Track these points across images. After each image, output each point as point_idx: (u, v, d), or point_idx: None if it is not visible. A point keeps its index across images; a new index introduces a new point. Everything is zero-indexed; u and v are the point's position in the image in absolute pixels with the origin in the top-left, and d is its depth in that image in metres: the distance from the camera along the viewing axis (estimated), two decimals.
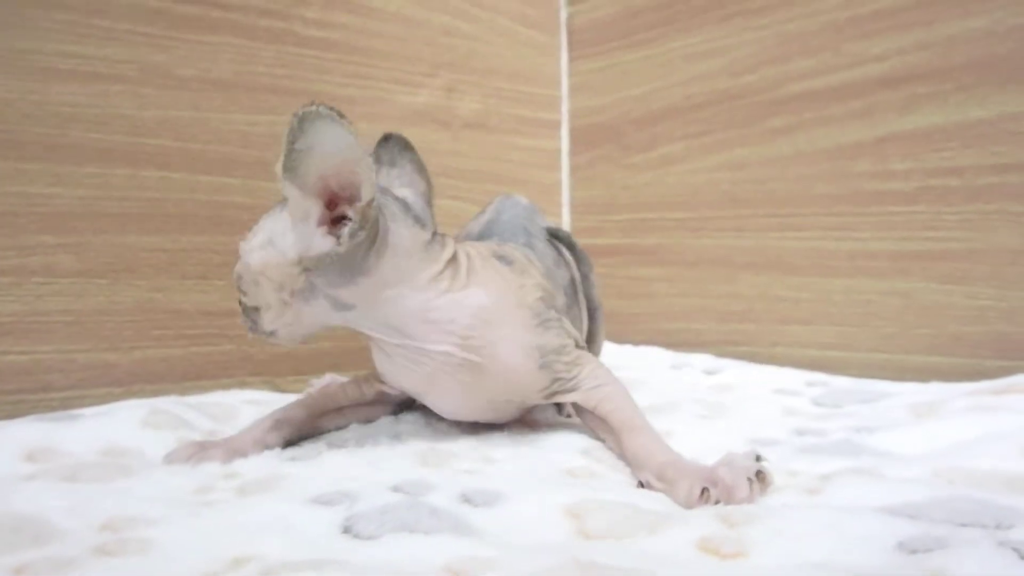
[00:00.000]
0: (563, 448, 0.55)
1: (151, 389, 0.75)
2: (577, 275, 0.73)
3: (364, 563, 0.36)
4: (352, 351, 0.87)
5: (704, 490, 0.44)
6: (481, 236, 0.68)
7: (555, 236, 0.76)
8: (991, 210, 0.70)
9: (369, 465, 0.50)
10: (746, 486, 0.44)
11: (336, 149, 0.48)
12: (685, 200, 0.96)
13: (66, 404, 0.69)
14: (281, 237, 0.53)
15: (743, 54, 0.89)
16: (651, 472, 0.48)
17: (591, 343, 0.75)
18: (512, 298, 0.55)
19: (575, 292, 0.70)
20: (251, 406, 0.71)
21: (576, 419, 0.62)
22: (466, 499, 0.44)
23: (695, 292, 0.96)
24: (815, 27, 0.83)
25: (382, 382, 0.62)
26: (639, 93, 1.02)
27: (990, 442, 0.49)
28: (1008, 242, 0.70)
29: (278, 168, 0.49)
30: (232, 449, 0.54)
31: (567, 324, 0.59)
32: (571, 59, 1.11)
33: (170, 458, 0.53)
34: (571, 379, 0.57)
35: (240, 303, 0.56)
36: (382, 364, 0.59)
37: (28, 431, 0.57)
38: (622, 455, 0.53)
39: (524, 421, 0.63)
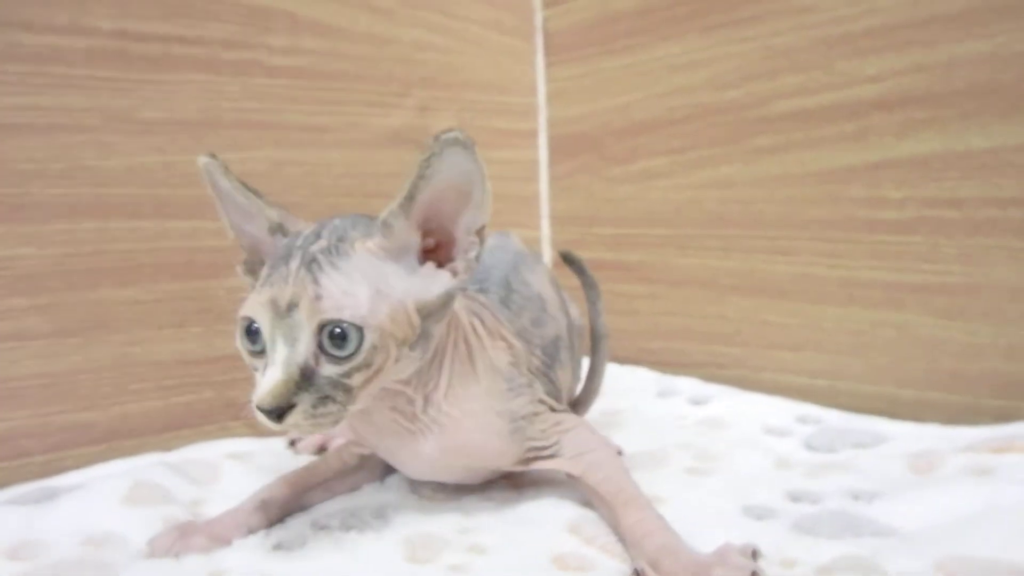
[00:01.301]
0: (552, 523, 0.54)
1: (131, 445, 0.73)
2: (575, 319, 0.72)
3: None
4: None
5: None
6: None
7: (568, 261, 0.77)
8: (992, 244, 0.68)
9: (356, 558, 0.49)
10: None
11: (466, 172, 0.46)
12: (669, 217, 0.94)
13: (45, 469, 0.68)
14: (386, 283, 0.47)
15: (728, 67, 0.87)
16: (646, 558, 0.47)
17: (592, 376, 0.76)
18: (480, 363, 0.54)
19: (570, 338, 0.68)
20: (233, 461, 0.70)
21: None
22: None
23: (680, 311, 0.94)
24: (805, 42, 0.80)
25: (360, 445, 0.60)
26: (619, 103, 0.98)
27: (991, 523, 0.48)
28: (1008, 278, 0.68)
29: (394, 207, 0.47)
30: (214, 536, 0.53)
31: (538, 389, 0.57)
32: (548, 65, 1.07)
33: (152, 550, 0.52)
34: (550, 445, 0.56)
35: (342, 384, 0.45)
36: (360, 426, 0.56)
37: (8, 519, 0.56)
38: (615, 529, 0.52)
39: (507, 479, 0.63)
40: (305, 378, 0.43)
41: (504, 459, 0.56)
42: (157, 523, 0.55)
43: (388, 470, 0.64)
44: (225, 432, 0.78)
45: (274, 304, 0.44)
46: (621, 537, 0.51)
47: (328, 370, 0.44)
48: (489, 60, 1.02)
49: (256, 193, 0.50)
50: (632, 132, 0.98)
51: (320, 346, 0.44)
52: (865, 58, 0.75)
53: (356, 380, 0.45)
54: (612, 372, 0.96)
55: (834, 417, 0.75)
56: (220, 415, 0.80)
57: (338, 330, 0.44)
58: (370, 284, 0.46)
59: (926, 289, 0.73)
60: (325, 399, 0.44)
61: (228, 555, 0.51)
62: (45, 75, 0.68)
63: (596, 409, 0.83)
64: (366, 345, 0.44)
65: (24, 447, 0.68)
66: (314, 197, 0.85)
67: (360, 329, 0.44)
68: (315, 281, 0.44)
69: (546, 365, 0.61)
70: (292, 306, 0.44)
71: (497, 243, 0.67)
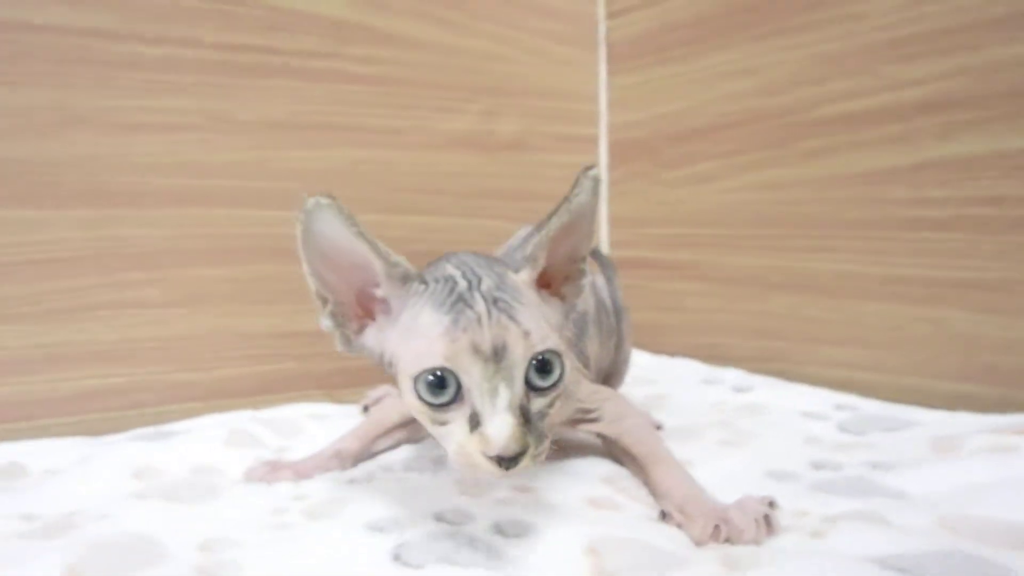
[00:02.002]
0: (589, 475, 0.60)
1: (227, 404, 0.83)
2: (604, 299, 0.77)
3: None
4: None
5: (716, 528, 0.48)
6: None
7: None
8: None
9: (415, 491, 0.57)
10: (753, 529, 0.48)
11: (592, 205, 0.48)
12: (719, 218, 0.99)
13: (157, 419, 0.78)
14: (547, 313, 0.48)
15: (778, 74, 0.91)
16: (673, 504, 0.53)
17: (619, 347, 0.80)
18: None
19: (598, 314, 0.73)
20: (313, 420, 0.79)
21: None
22: (499, 530, 0.50)
23: (727, 308, 0.99)
24: (853, 48, 0.84)
25: None
26: (674, 110, 1.04)
27: (1003, 489, 0.51)
28: None
29: (545, 234, 0.47)
30: (299, 471, 0.62)
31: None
32: (609, 74, 1.14)
33: (249, 476, 0.61)
34: (594, 410, 0.62)
35: (546, 415, 0.46)
36: None
37: (131, 450, 0.66)
38: (645, 484, 0.58)
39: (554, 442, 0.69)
40: (525, 417, 0.43)
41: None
42: (250, 461, 0.65)
43: None
44: (306, 398, 0.88)
45: (478, 351, 0.43)
46: (650, 491, 0.57)
47: (537, 404, 0.45)
48: (552, 69, 1.10)
49: (373, 241, 0.46)
50: (686, 137, 1.03)
51: (527, 382, 0.44)
52: (910, 63, 0.79)
53: (553, 408, 0.46)
54: (661, 364, 1.02)
55: (871, 406, 0.78)
56: (301, 383, 0.90)
57: (545, 359, 0.44)
58: (542, 314, 0.47)
59: (964, 285, 0.76)
60: (540, 436, 0.44)
61: (309, 484, 0.60)
62: (161, 82, 0.79)
63: (643, 393, 0.89)
64: (566, 370, 0.46)
65: (140, 399, 0.79)
66: (387, 193, 0.95)
67: (559, 355, 0.45)
68: (513, 319, 0.44)
69: (576, 336, 0.65)
70: (500, 348, 0.43)
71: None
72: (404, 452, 0.68)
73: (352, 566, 0.46)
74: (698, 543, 0.49)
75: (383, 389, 0.89)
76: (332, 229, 0.45)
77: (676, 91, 1.04)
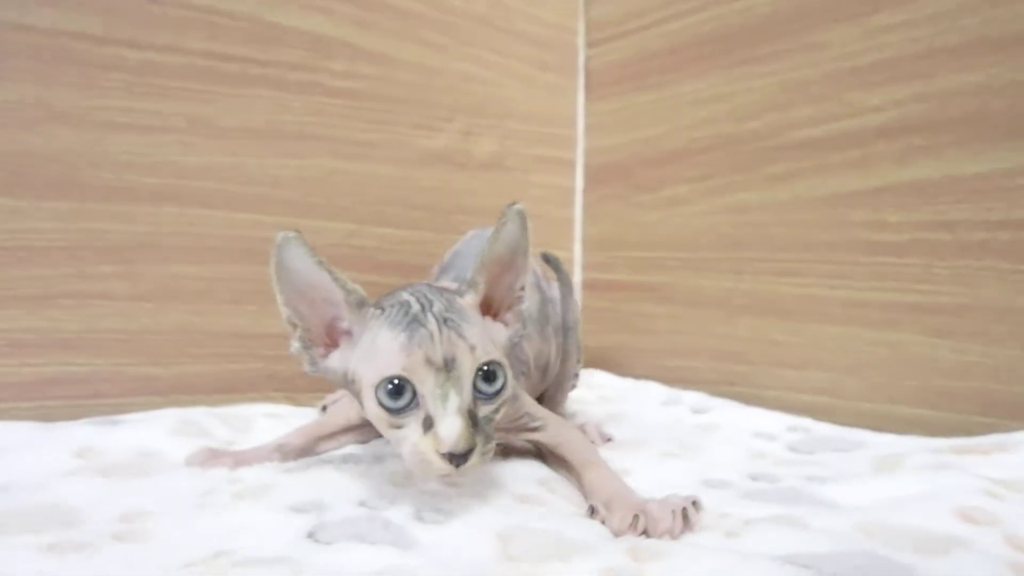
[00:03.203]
0: (524, 477, 0.60)
1: (187, 400, 0.84)
2: (551, 296, 0.79)
3: (313, 564, 0.43)
4: None
5: (635, 518, 0.49)
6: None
7: (546, 259, 0.84)
8: (981, 266, 0.71)
9: (347, 480, 0.57)
10: (669, 519, 0.49)
11: (524, 237, 0.54)
12: (689, 241, 1.00)
13: (115, 410, 0.78)
14: (492, 332, 0.54)
15: (747, 100, 0.93)
16: (600, 500, 0.53)
17: (564, 360, 0.81)
18: None
19: (541, 312, 0.76)
20: (268, 418, 0.80)
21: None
22: (418, 517, 0.50)
23: (694, 331, 0.99)
24: (817, 76, 0.86)
25: None
26: (649, 135, 1.06)
27: (927, 500, 0.51)
28: (996, 299, 0.71)
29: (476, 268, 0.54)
30: (239, 460, 0.63)
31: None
32: (587, 100, 1.17)
33: (189, 461, 0.62)
34: (538, 419, 0.64)
35: (492, 419, 0.51)
36: None
37: (81, 432, 0.67)
38: (579, 487, 0.59)
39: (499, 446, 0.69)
40: (473, 421, 0.48)
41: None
42: (194, 449, 0.65)
43: None
44: (267, 399, 0.89)
45: (431, 362, 0.48)
46: (582, 492, 0.58)
47: (484, 410, 0.50)
48: (532, 94, 1.13)
49: (333, 272, 0.52)
50: (659, 161, 1.05)
51: (475, 389, 0.50)
52: (871, 89, 0.80)
53: (499, 414, 0.52)
54: (625, 386, 1.02)
55: (824, 428, 0.78)
56: (264, 385, 0.90)
57: (490, 370, 0.50)
58: (485, 331, 0.53)
59: (919, 309, 0.76)
60: (487, 437, 0.49)
61: (245, 471, 0.60)
62: (144, 85, 0.82)
63: (601, 411, 0.89)
64: (509, 379, 0.52)
65: (100, 389, 0.80)
66: (361, 204, 0.97)
67: (502, 366, 0.51)
68: (461, 336, 0.50)
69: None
70: (450, 360, 0.49)
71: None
72: (346, 451, 0.68)
73: (264, 540, 0.46)
74: (616, 533, 0.49)
75: (340, 392, 0.89)
76: (299, 261, 0.51)
77: (652, 117, 1.06)
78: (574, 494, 0.58)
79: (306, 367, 0.55)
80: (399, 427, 0.49)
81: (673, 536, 0.48)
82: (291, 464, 0.63)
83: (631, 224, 1.09)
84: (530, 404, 0.65)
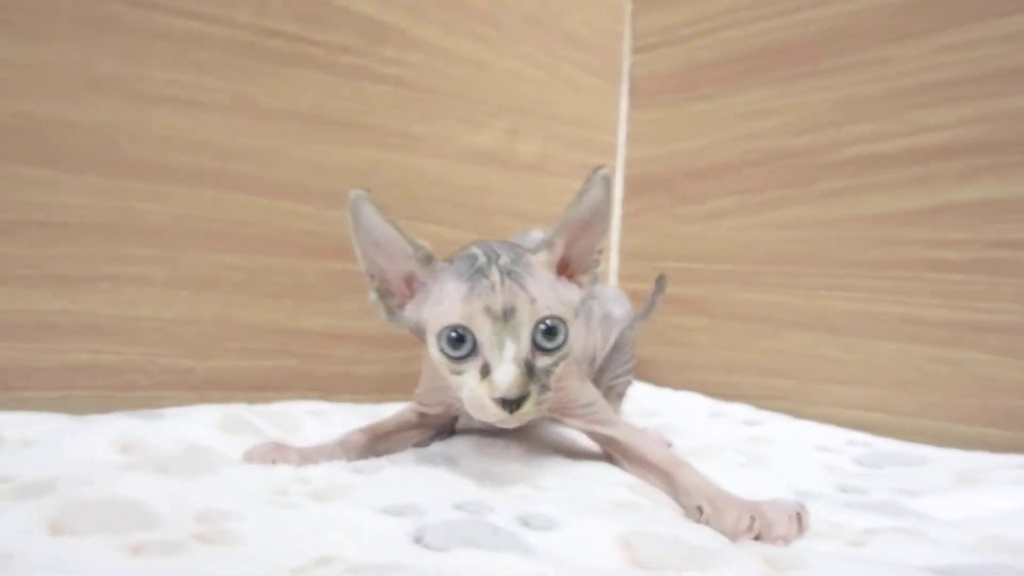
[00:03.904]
0: (608, 481, 0.58)
1: (221, 396, 0.79)
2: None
3: (435, 570, 0.39)
4: (396, 376, 0.92)
5: (751, 519, 0.47)
6: None
7: (657, 280, 0.87)
8: None
9: (430, 483, 0.54)
10: (786, 523, 0.47)
11: (606, 201, 0.55)
12: (733, 254, 0.99)
13: (147, 403, 0.74)
14: (560, 291, 0.55)
15: (802, 115, 0.93)
16: (703, 499, 0.51)
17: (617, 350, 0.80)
18: None
19: (588, 311, 0.77)
20: (314, 417, 0.75)
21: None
22: (524, 522, 0.47)
23: (737, 345, 0.98)
24: (877, 93, 0.86)
25: (422, 405, 0.67)
26: (694, 146, 1.05)
27: None
28: None
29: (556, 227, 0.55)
30: (304, 456, 0.59)
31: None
32: (630, 108, 1.16)
33: (250, 456, 0.58)
34: (606, 412, 0.63)
35: (550, 372, 0.52)
36: (433, 384, 0.63)
37: (118, 425, 0.62)
38: (667, 489, 0.56)
39: (563, 450, 0.67)
40: (529, 371, 0.50)
41: (574, 402, 0.61)
42: (248, 446, 0.61)
43: (445, 432, 0.71)
44: (302, 399, 0.84)
45: (490, 311, 0.50)
46: (674, 493, 0.55)
47: (542, 362, 0.51)
48: (577, 97, 1.11)
49: (400, 229, 0.54)
50: (704, 174, 1.04)
51: (534, 342, 0.51)
52: (934, 108, 0.81)
53: (558, 368, 0.53)
54: (665, 396, 1.00)
55: (883, 443, 0.77)
56: (299, 383, 0.86)
57: (551, 325, 0.51)
58: (552, 288, 0.54)
59: (983, 327, 0.76)
60: (544, 387, 0.50)
61: (313, 469, 0.56)
62: (189, 57, 0.78)
63: (647, 423, 0.87)
64: (569, 336, 0.53)
65: (132, 380, 0.75)
66: (406, 199, 0.94)
67: (564, 323, 0.52)
68: (523, 288, 0.51)
69: None
70: (510, 311, 0.50)
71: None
72: (413, 452, 0.64)
73: (368, 545, 0.43)
74: (731, 536, 0.47)
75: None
76: (371, 218, 0.54)
77: (696, 128, 1.05)
78: (666, 498, 0.55)
79: (382, 316, 0.57)
80: (460, 373, 0.51)
81: (787, 541, 0.46)
82: (359, 464, 0.59)
83: (671, 236, 1.08)
84: (598, 396, 0.65)
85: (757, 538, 0.47)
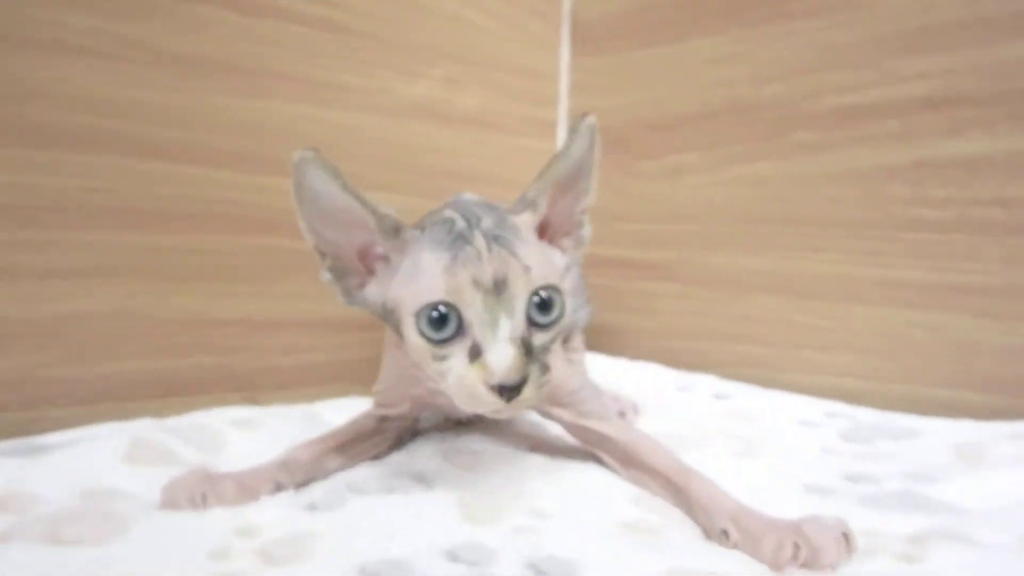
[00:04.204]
0: (609, 495, 0.50)
1: (120, 409, 0.66)
2: None
3: None
4: (336, 364, 0.80)
5: (795, 547, 0.40)
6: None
7: None
8: None
9: (407, 519, 0.44)
10: (834, 548, 0.41)
11: (592, 153, 0.49)
12: (697, 214, 0.92)
13: (22, 429, 0.59)
14: (549, 257, 0.49)
15: (771, 62, 0.85)
16: (727, 519, 0.44)
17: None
18: None
19: None
20: (239, 428, 0.63)
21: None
22: (538, 570, 0.38)
23: (703, 311, 0.92)
24: (854, 39, 0.79)
25: (382, 406, 0.58)
26: (650, 97, 0.97)
27: None
28: None
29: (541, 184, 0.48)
30: (241, 486, 0.47)
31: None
32: (574, 55, 1.05)
33: (171, 498, 0.46)
34: (596, 402, 0.56)
35: (547, 351, 0.46)
36: (399, 378, 0.55)
37: None
38: (674, 501, 0.50)
39: (539, 447, 0.60)
40: (527, 350, 0.43)
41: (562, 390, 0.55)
42: (163, 479, 0.49)
43: (404, 434, 0.61)
44: (221, 403, 0.71)
45: (479, 283, 0.43)
46: (686, 507, 0.48)
47: (539, 339, 0.45)
48: (517, 43, 0.99)
49: (359, 195, 0.46)
50: (664, 126, 0.96)
51: (528, 317, 0.44)
52: (917, 56, 0.75)
53: (554, 345, 0.46)
54: (626, 367, 0.93)
55: (863, 414, 0.73)
56: (217, 385, 0.73)
57: (547, 296, 0.45)
58: (542, 254, 0.47)
59: (965, 289, 0.72)
60: (544, 368, 0.44)
61: (257, 512, 0.45)
62: None
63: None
64: (566, 307, 0.46)
65: (0, 401, 0.60)
66: (342, 160, 0.79)
67: (560, 292, 0.46)
68: (513, 254, 0.44)
69: None
70: (501, 281, 0.43)
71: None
72: (370, 468, 0.54)
73: None
74: (774, 566, 0.40)
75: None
76: (321, 184, 0.45)
77: (653, 77, 0.96)
78: (676, 513, 0.48)
79: (340, 299, 0.49)
80: (444, 358, 0.44)
81: (834, 569, 0.40)
82: (313, 494, 0.49)
83: (628, 195, 0.99)
84: (586, 379, 0.59)
85: (805, 566, 0.40)
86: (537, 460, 0.57)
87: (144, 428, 0.59)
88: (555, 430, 0.60)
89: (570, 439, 0.59)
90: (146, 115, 0.67)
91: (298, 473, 0.52)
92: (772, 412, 0.75)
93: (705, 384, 0.85)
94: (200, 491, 0.46)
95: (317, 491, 0.48)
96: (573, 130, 0.47)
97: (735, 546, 0.43)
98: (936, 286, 0.74)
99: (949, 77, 0.73)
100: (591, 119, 0.47)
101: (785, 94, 0.84)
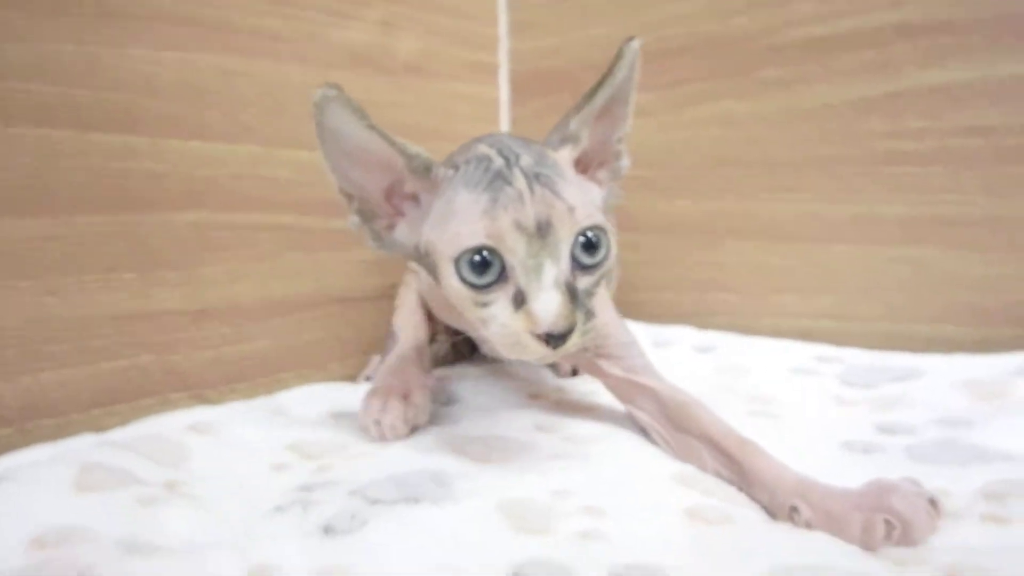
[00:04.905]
0: (650, 474, 0.46)
1: (51, 426, 0.56)
2: None
3: None
4: (286, 349, 0.72)
5: (887, 524, 0.37)
6: None
7: None
8: (1017, 173, 0.68)
9: (452, 539, 0.38)
10: (925, 519, 0.38)
11: (632, 79, 0.47)
12: (657, 158, 0.88)
13: None
14: (590, 193, 0.47)
15: None
16: (794, 495, 0.41)
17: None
18: None
19: None
20: (196, 434, 0.54)
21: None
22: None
23: (667, 261, 0.89)
24: None
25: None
26: (600, 34, 0.90)
27: None
28: None
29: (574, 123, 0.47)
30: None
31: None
32: None
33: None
34: (635, 352, 0.55)
35: (591, 294, 0.44)
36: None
37: None
38: (727, 473, 0.46)
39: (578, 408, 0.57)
40: (573, 295, 0.41)
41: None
42: (129, 506, 0.40)
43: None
44: (168, 406, 0.62)
45: (522, 227, 0.41)
46: (742, 482, 0.45)
47: (583, 282, 0.43)
48: None
49: (385, 134, 0.44)
50: None
51: (573, 259, 0.42)
52: None
53: (598, 288, 0.44)
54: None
55: (853, 355, 0.72)
56: (160, 385, 0.63)
57: (592, 237, 0.43)
58: (585, 191, 0.45)
59: (946, 222, 0.72)
60: (589, 314, 0.42)
61: (266, 542, 0.37)
62: None
63: None
64: (612, 248, 0.44)
65: None
66: (268, 118, 0.70)
67: (605, 232, 0.44)
68: (557, 195, 0.42)
69: None
70: (545, 224, 0.41)
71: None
72: (378, 469, 0.47)
73: None
74: (868, 547, 0.37)
75: (376, 362, 0.73)
76: (343, 124, 0.43)
77: (603, 12, 0.90)
78: (732, 492, 0.44)
79: (369, 243, 0.48)
80: (486, 304, 0.43)
81: (927, 537, 0.38)
82: (320, 514, 0.41)
83: None
84: (633, 335, 0.57)
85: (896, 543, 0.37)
86: (553, 441, 0.52)
87: (87, 446, 0.49)
88: (554, 393, 0.56)
89: (568, 408, 0.56)
90: (43, 75, 0.55)
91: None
92: (763, 362, 0.73)
93: (683, 336, 0.82)
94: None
95: (328, 507, 0.41)
96: (618, 53, 0.45)
97: (807, 525, 0.40)
98: (915, 220, 0.73)
99: (924, 3, 0.71)
100: (636, 42, 0.46)
101: (750, 26, 0.80)
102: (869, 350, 0.73)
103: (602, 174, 0.50)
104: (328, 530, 0.39)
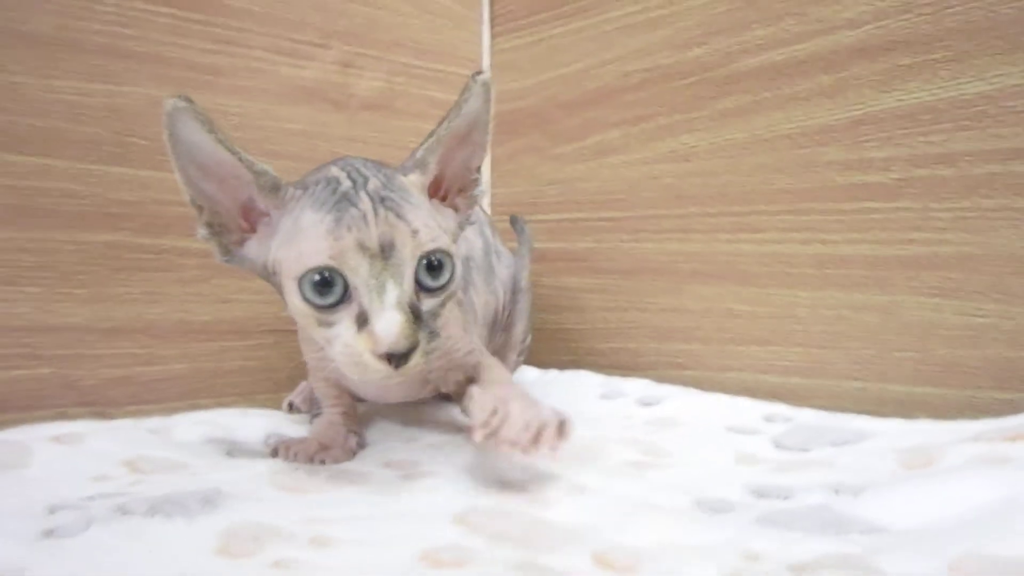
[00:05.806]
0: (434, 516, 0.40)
1: None
2: (492, 242, 0.75)
3: None
4: (205, 374, 0.72)
5: (492, 412, 0.44)
6: None
7: (512, 222, 0.82)
8: (991, 206, 0.57)
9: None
10: (519, 431, 0.43)
11: (486, 111, 0.48)
12: (622, 197, 0.83)
13: None
14: (439, 218, 0.48)
15: (691, 23, 0.76)
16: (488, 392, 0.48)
17: (512, 325, 0.75)
18: None
19: (486, 261, 0.72)
20: (56, 444, 0.54)
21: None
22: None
23: (632, 305, 0.82)
24: None
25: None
26: (569, 72, 0.88)
27: (1011, 513, 0.36)
28: (1013, 246, 0.57)
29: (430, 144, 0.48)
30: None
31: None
32: (493, 35, 0.97)
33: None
34: (469, 349, 0.57)
35: (437, 316, 0.46)
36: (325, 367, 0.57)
37: None
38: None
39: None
40: (416, 316, 0.42)
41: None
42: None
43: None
44: (63, 418, 0.62)
45: (363, 248, 0.42)
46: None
47: (428, 304, 0.44)
48: (426, 22, 0.91)
49: (235, 149, 0.45)
50: (583, 103, 0.87)
51: (417, 281, 0.44)
52: (843, 1, 0.66)
53: (443, 310, 0.46)
54: (552, 379, 0.84)
55: (808, 416, 0.62)
56: (58, 399, 0.64)
57: (436, 260, 0.44)
58: (432, 216, 0.46)
59: (915, 263, 0.62)
60: (432, 334, 0.43)
61: None
62: None
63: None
64: (456, 271, 0.45)
65: None
66: None
67: (450, 256, 0.45)
68: (401, 217, 0.43)
69: (463, 288, 0.63)
70: (388, 245, 0.42)
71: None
72: (335, 489, 0.45)
73: None
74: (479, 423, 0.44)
75: (303, 384, 0.73)
76: (193, 135, 0.44)
77: (571, 51, 0.88)
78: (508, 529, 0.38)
79: (217, 257, 0.48)
80: (329, 325, 0.43)
81: (523, 450, 0.42)
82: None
83: (549, 181, 0.90)
84: (477, 342, 0.60)
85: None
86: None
87: None
88: None
89: None
90: None
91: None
92: (701, 418, 0.65)
93: (635, 389, 0.74)
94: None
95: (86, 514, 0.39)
96: (466, 87, 0.47)
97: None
98: (883, 262, 0.64)
99: (881, 21, 0.63)
100: (484, 76, 0.47)
101: (706, 57, 0.75)
102: (829, 412, 0.63)
103: (460, 200, 0.51)
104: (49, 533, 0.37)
